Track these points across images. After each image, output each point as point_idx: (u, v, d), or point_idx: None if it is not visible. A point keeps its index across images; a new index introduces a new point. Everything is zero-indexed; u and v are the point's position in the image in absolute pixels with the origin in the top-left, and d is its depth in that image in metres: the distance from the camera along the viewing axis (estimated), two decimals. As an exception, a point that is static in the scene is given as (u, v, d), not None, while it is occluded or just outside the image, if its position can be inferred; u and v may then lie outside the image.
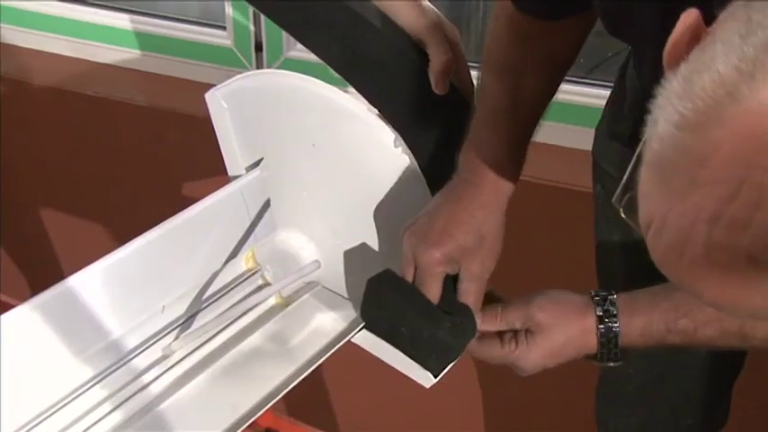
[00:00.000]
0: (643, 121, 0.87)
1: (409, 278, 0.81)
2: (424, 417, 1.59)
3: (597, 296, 0.81)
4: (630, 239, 1.03)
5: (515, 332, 0.82)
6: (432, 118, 0.87)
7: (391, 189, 0.86)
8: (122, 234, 2.15)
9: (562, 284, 0.83)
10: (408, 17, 0.82)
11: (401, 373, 0.82)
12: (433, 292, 0.80)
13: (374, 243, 0.86)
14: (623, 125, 0.99)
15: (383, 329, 0.80)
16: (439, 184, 0.85)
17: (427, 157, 0.86)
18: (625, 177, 0.53)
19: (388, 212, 0.86)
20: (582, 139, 1.21)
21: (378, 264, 0.82)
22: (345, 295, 0.85)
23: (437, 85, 0.82)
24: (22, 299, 1.57)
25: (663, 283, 0.80)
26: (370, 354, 0.82)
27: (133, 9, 2.02)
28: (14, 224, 1.97)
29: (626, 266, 1.05)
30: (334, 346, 0.80)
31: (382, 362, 0.83)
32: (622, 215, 0.55)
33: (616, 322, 0.80)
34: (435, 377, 0.80)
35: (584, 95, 1.76)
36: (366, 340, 0.81)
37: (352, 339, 0.81)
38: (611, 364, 0.82)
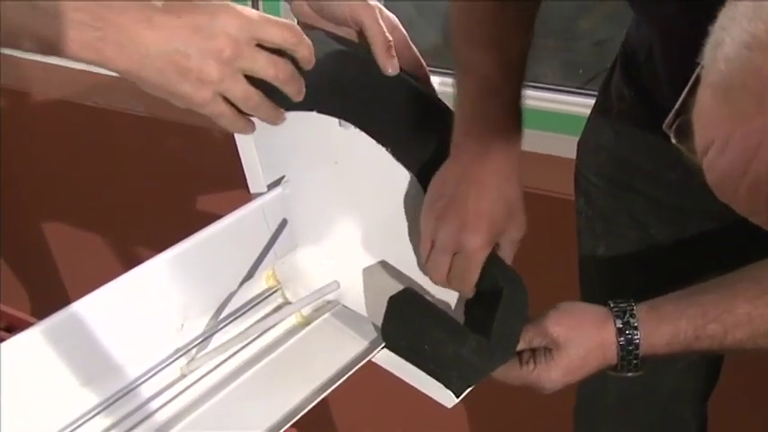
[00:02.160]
0: (630, 128, 0.87)
1: (442, 268, 0.81)
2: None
3: (616, 308, 0.81)
4: (615, 253, 1.05)
5: (533, 350, 0.81)
6: (417, 128, 0.86)
7: (412, 208, 0.86)
8: (122, 245, 2.16)
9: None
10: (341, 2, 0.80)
11: (406, 389, 0.82)
12: (475, 277, 0.80)
13: (395, 262, 0.86)
14: (607, 136, 0.99)
15: (405, 348, 0.80)
16: None
17: (419, 167, 0.86)
18: (679, 102, 0.53)
19: (409, 231, 0.86)
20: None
21: (399, 282, 0.82)
22: (366, 314, 0.85)
23: (386, 65, 0.80)
24: (22, 309, 1.57)
25: (684, 289, 0.82)
26: (374, 368, 0.82)
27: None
28: (14, 234, 1.96)
29: (610, 280, 1.05)
30: (355, 365, 0.79)
31: (383, 375, 0.82)
32: (673, 140, 0.55)
33: (637, 333, 0.79)
34: (457, 397, 0.79)
35: (581, 106, 1.75)
36: (386, 360, 0.81)
37: (372, 359, 0.80)
38: (630, 375, 0.82)
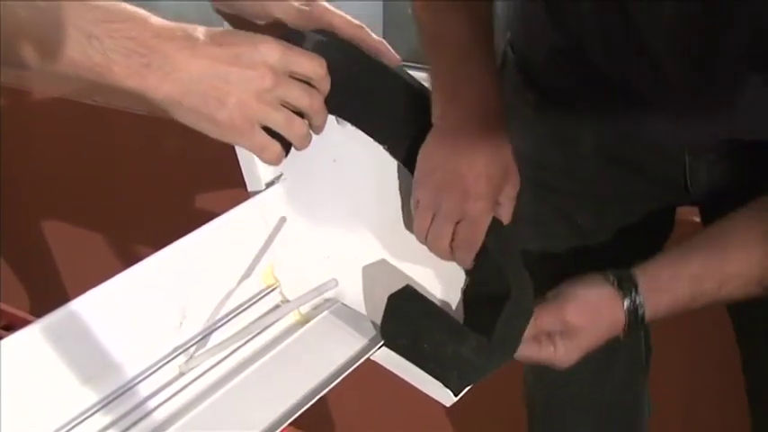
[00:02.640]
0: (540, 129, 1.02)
1: (445, 237, 0.81)
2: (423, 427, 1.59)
3: (622, 286, 0.85)
4: (551, 251, 1.07)
5: (548, 333, 0.85)
6: (414, 124, 0.86)
7: (407, 205, 0.86)
8: (122, 243, 2.17)
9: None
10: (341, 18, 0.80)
11: (404, 387, 0.82)
12: (480, 242, 0.82)
13: (394, 259, 0.85)
14: (516, 142, 0.95)
15: (404, 346, 0.79)
16: None
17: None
18: None
19: (408, 229, 0.85)
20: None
21: (398, 280, 0.82)
22: (365, 312, 0.85)
23: (390, 59, 0.81)
24: (22, 308, 1.57)
25: (675, 251, 0.87)
26: (373, 366, 0.82)
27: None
28: (14, 233, 1.96)
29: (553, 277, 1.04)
30: (354, 363, 0.79)
31: (382, 373, 0.82)
32: None
33: (642, 308, 0.85)
34: (456, 395, 0.79)
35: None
36: (385, 357, 0.81)
37: (371, 357, 0.80)
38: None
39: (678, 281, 0.84)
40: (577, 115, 1.01)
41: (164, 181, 1.91)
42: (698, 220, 1.11)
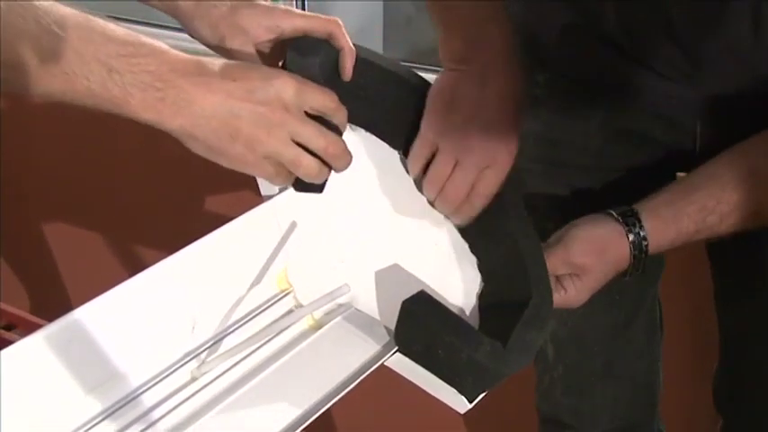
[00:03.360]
0: (552, 108, 1.00)
1: (469, 186, 0.83)
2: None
3: (625, 221, 0.87)
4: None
5: (557, 277, 0.88)
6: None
7: (423, 211, 0.85)
8: (123, 244, 2.16)
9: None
10: (313, 20, 0.81)
11: (413, 392, 0.81)
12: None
13: (408, 264, 0.85)
14: (528, 123, 0.99)
15: (418, 352, 0.79)
16: None
17: None
18: None
19: (422, 234, 0.85)
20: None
21: (412, 285, 0.81)
22: (378, 317, 0.84)
23: (348, 74, 0.81)
24: (22, 308, 1.56)
25: (675, 188, 0.89)
26: (380, 371, 0.81)
27: (135, 19, 2.00)
28: (14, 233, 1.95)
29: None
30: (368, 369, 0.78)
31: (396, 379, 0.82)
32: None
33: (646, 242, 0.87)
34: (470, 402, 0.79)
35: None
36: (399, 363, 0.80)
37: (385, 363, 0.80)
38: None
39: (681, 216, 0.87)
40: (588, 90, 1.01)
41: (168, 183, 1.90)
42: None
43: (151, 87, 0.66)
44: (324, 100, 0.72)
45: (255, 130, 0.69)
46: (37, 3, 0.63)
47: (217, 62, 0.70)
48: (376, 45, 1.91)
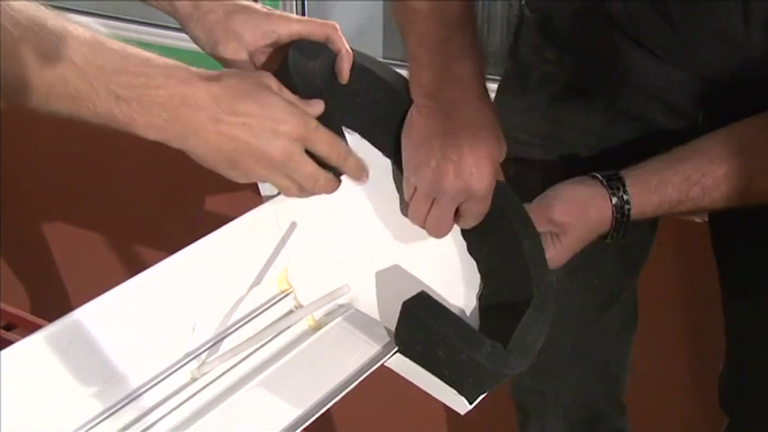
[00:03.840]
0: (559, 84, 1.00)
1: (450, 220, 0.84)
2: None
3: (610, 185, 0.88)
4: None
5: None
6: None
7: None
8: (123, 243, 2.15)
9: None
10: (311, 24, 0.82)
11: (412, 393, 0.81)
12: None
13: (408, 265, 0.85)
14: (533, 97, 1.04)
15: (418, 353, 0.79)
16: None
17: None
18: None
19: (422, 235, 0.85)
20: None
21: (412, 286, 0.81)
22: (379, 318, 0.84)
23: (345, 77, 0.82)
24: (22, 308, 1.56)
25: (662, 158, 0.89)
26: (380, 372, 0.81)
27: (136, 19, 2.00)
28: (14, 233, 1.95)
29: None
30: (368, 370, 0.78)
31: (396, 379, 0.82)
32: None
33: (629, 206, 0.87)
34: (470, 403, 0.79)
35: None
36: (399, 364, 0.80)
37: (385, 363, 0.80)
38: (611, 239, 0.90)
39: (666, 185, 0.87)
40: (594, 70, 1.02)
41: (168, 183, 1.90)
42: (699, 220, 1.12)
43: (157, 117, 0.68)
44: (329, 150, 0.75)
45: (255, 164, 0.72)
46: (50, 25, 0.64)
47: (230, 96, 0.70)
48: (376, 45, 1.91)
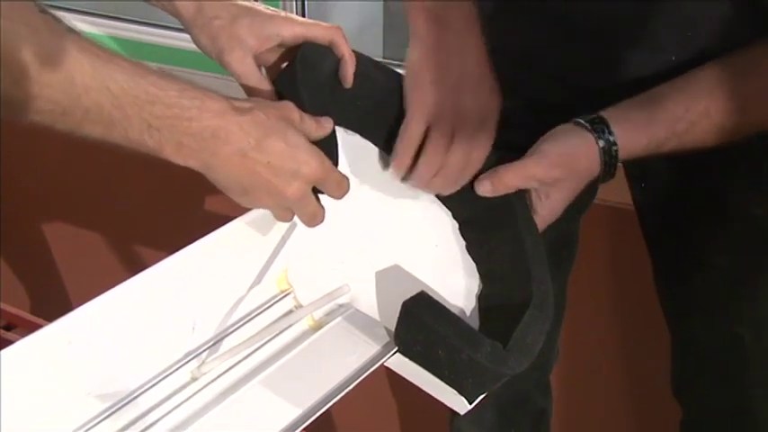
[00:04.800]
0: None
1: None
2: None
3: (594, 127, 0.86)
4: None
5: (527, 191, 0.87)
6: None
7: (423, 212, 0.85)
8: (123, 243, 2.15)
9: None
10: (315, 28, 0.83)
11: (411, 392, 0.81)
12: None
13: (408, 265, 0.85)
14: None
15: (418, 353, 0.79)
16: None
17: None
18: None
19: (422, 235, 0.85)
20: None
21: (412, 286, 0.81)
22: (378, 318, 0.84)
23: (349, 81, 0.83)
24: (22, 308, 1.56)
25: (645, 96, 0.88)
26: (380, 372, 0.81)
27: (136, 19, 2.00)
28: (14, 233, 1.95)
29: None
30: (368, 369, 0.78)
31: (396, 379, 0.82)
32: None
33: (616, 146, 0.86)
34: (470, 403, 0.79)
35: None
36: (399, 364, 0.80)
37: (385, 363, 0.80)
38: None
39: (652, 124, 0.86)
40: (519, 71, 1.00)
41: (169, 183, 1.89)
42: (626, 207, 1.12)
43: (187, 147, 0.70)
44: (337, 192, 0.78)
45: (266, 197, 0.75)
46: (94, 53, 0.65)
47: (259, 132, 0.72)
48: (376, 45, 1.91)
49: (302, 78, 0.79)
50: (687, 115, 0.86)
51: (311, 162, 0.74)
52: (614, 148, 0.85)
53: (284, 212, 0.77)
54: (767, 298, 1.01)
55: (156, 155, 0.70)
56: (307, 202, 0.76)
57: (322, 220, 0.79)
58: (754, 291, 1.01)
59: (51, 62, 0.62)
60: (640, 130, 0.86)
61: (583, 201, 1.10)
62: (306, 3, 1.83)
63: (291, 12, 1.79)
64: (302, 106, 0.77)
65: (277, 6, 1.74)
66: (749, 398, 1.04)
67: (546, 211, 0.88)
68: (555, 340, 1.23)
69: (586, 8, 0.92)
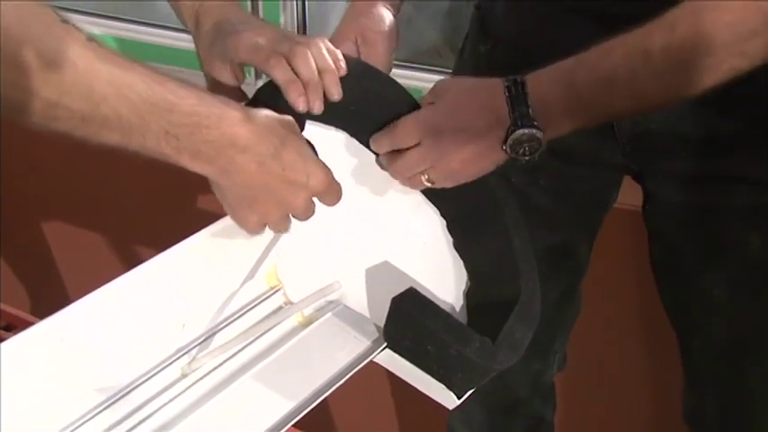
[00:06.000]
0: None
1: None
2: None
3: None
4: None
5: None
6: None
7: (413, 209, 0.86)
8: (123, 243, 2.16)
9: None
10: (246, 55, 0.84)
11: (406, 389, 0.82)
12: None
13: (397, 262, 0.85)
14: None
15: (407, 349, 0.79)
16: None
17: None
18: None
19: (411, 232, 0.86)
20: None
21: (401, 283, 0.82)
22: (368, 314, 0.85)
23: (297, 105, 0.82)
24: (22, 308, 1.56)
25: None
26: (375, 368, 0.82)
27: (136, 19, 2.01)
28: (14, 233, 1.95)
29: None
30: (357, 365, 0.79)
31: (385, 375, 0.82)
32: None
33: (523, 79, 0.80)
34: (459, 398, 0.79)
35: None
36: (388, 359, 0.81)
37: (374, 359, 0.80)
38: (526, 131, 0.79)
39: (562, 63, 0.81)
40: (523, 65, 0.99)
41: (166, 181, 1.90)
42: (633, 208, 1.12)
43: (204, 154, 0.70)
44: (335, 202, 0.79)
45: (274, 209, 0.76)
46: (113, 61, 0.66)
47: (274, 140, 0.73)
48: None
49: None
50: (601, 45, 0.80)
51: (319, 174, 0.75)
52: (520, 79, 0.80)
53: (282, 222, 0.78)
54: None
55: (174, 162, 0.71)
56: (309, 210, 0.78)
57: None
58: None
59: (71, 71, 0.63)
60: (547, 70, 0.81)
61: (589, 218, 1.11)
62: (306, 3, 1.83)
63: (291, 12, 1.80)
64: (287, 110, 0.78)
65: (277, 8, 1.74)
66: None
67: (427, 114, 0.83)
68: (552, 345, 1.22)
69: None
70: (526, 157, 0.80)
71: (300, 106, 0.81)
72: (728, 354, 1.05)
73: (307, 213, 0.78)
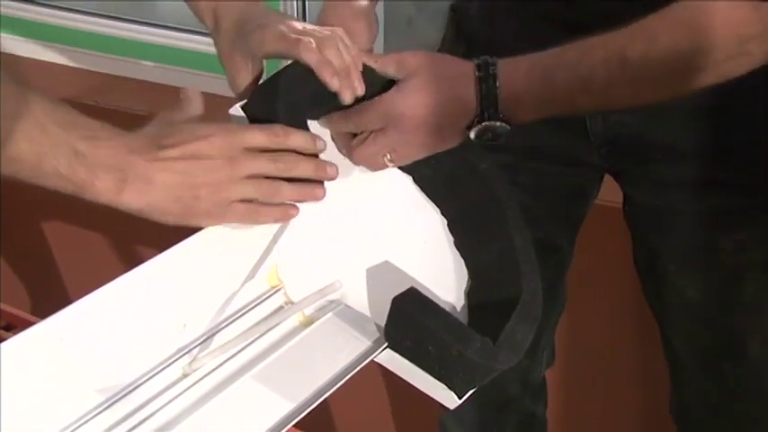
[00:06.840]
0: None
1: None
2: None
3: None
4: None
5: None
6: None
7: (413, 209, 0.86)
8: (123, 243, 2.16)
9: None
10: (273, 45, 0.83)
11: (407, 389, 0.82)
12: None
13: (398, 262, 0.85)
14: None
15: (408, 348, 0.79)
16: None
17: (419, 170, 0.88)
18: None
19: (412, 232, 0.86)
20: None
21: (402, 282, 0.82)
22: (369, 314, 0.84)
23: (332, 84, 0.81)
24: (22, 308, 1.56)
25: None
26: (375, 368, 0.82)
27: (134, 19, 2.01)
28: (14, 233, 1.95)
29: None
30: (358, 365, 0.79)
31: (386, 375, 0.82)
32: None
33: (494, 66, 0.80)
34: (460, 398, 0.79)
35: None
36: (389, 359, 0.81)
37: (375, 359, 0.80)
38: (498, 124, 0.80)
39: (538, 54, 0.81)
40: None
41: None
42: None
43: (113, 169, 0.71)
44: (264, 136, 0.77)
45: (211, 180, 0.75)
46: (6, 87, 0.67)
47: (160, 134, 0.75)
48: (376, 45, 1.91)
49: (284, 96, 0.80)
50: (580, 45, 0.80)
51: (211, 131, 0.75)
52: (492, 64, 0.80)
53: (244, 185, 0.76)
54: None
55: (89, 194, 0.73)
56: (247, 161, 0.76)
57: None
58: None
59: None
60: (522, 59, 0.81)
61: (569, 214, 1.11)
62: (306, 3, 1.83)
63: (292, 12, 1.80)
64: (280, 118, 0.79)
65: (277, 7, 1.74)
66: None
67: (397, 95, 0.82)
68: (539, 342, 1.22)
69: None
70: (489, 142, 0.82)
71: (335, 85, 0.80)
72: (706, 355, 1.06)
73: (244, 164, 0.76)
